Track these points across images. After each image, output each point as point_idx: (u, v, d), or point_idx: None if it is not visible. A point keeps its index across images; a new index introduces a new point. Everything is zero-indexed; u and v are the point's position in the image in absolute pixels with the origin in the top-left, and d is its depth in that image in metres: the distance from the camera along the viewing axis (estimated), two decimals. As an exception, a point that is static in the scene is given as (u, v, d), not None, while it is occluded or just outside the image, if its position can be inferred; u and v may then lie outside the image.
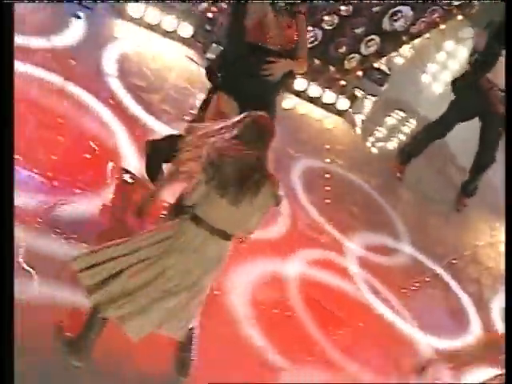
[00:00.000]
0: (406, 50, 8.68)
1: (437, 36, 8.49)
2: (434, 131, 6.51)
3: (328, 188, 5.95)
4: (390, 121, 7.77)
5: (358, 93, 7.18)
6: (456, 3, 6.79)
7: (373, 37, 6.85)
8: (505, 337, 3.30)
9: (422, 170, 6.87)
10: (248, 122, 3.13)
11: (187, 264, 3.22)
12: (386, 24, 6.75)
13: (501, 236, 6.53)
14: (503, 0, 5.75)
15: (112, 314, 3.26)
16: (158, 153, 4.28)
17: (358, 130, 7.14)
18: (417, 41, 8.17)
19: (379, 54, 7.05)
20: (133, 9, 6.08)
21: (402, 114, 7.87)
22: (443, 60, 9.11)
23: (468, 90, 6.23)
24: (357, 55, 6.92)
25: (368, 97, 7.45)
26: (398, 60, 8.32)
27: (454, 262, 6.03)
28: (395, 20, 6.73)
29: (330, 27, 6.71)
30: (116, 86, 5.45)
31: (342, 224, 5.53)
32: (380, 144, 7.21)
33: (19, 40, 4.85)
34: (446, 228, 6.50)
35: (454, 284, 5.73)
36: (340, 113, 7.00)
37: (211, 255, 3.25)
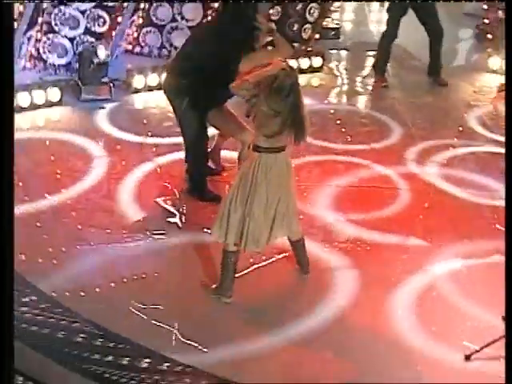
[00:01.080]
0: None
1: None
2: (387, 36, 8.14)
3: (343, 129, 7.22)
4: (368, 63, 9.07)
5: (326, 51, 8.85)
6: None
7: (312, 5, 8.58)
8: (505, 336, 3.39)
9: (398, 72, 8.50)
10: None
11: (273, 181, 4.30)
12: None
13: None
14: (503, 0, 6.15)
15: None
16: None
17: (344, 76, 8.69)
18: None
19: (323, 15, 8.78)
20: (137, 81, 7.87)
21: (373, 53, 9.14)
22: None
23: None
24: (307, 25, 8.63)
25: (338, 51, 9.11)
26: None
27: (460, 129, 7.32)
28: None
29: (278, 17, 8.46)
30: (157, 140, 6.75)
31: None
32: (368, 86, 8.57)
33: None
34: (442, 105, 8.00)
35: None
36: (318, 69, 8.53)
37: (282, 166, 4.35)
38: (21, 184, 5.63)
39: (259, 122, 4.26)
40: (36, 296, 4.42)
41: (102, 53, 7.59)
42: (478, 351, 4.07)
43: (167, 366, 3.96)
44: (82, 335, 4.12)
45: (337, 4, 9.67)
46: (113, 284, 4.63)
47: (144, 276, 4.72)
